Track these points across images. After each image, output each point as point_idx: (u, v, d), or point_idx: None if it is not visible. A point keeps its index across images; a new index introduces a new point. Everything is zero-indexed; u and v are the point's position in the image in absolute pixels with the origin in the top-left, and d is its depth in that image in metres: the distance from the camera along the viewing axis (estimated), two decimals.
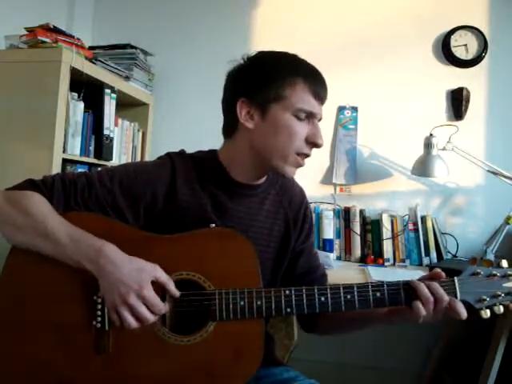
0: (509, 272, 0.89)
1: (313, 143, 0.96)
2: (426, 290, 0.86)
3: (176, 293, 0.87)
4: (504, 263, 0.91)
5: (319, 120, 0.99)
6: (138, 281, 0.83)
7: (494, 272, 0.89)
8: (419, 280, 0.90)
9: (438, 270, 0.91)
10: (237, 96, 0.97)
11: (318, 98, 0.96)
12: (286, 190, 1.09)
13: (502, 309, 0.88)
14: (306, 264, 1.09)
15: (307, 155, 0.98)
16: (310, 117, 0.96)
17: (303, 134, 0.95)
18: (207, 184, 1.00)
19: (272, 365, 1.05)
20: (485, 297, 0.88)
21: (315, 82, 0.96)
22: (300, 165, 0.98)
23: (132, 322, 0.83)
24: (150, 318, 0.84)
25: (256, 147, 0.97)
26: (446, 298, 0.86)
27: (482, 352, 1.64)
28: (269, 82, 0.95)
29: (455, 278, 0.89)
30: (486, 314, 0.88)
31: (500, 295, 0.88)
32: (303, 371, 1.05)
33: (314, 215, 2.09)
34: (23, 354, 0.87)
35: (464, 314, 0.86)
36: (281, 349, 1.23)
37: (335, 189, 2.25)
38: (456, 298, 0.87)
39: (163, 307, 0.85)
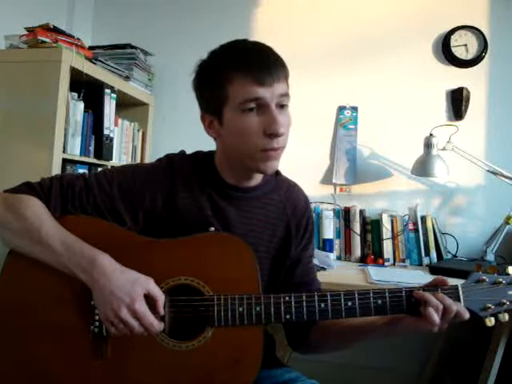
0: None
1: (271, 134, 0.87)
2: (434, 298, 0.85)
3: (161, 311, 0.86)
4: (510, 270, 0.88)
5: (281, 104, 0.89)
6: (130, 293, 0.82)
7: (500, 279, 0.87)
8: (423, 287, 0.88)
9: (442, 277, 0.90)
10: (200, 110, 0.98)
11: (259, 81, 0.86)
12: (290, 197, 1.06)
13: (506, 316, 0.86)
14: (301, 274, 1.05)
15: (274, 148, 0.89)
16: (261, 106, 0.87)
17: (258, 128, 0.87)
18: (205, 186, 0.98)
19: (273, 366, 1.04)
20: (489, 305, 0.86)
21: (252, 66, 0.87)
22: (271, 158, 0.90)
23: (125, 333, 0.83)
24: (141, 332, 0.83)
25: (227, 152, 0.97)
26: (454, 307, 0.84)
27: (482, 352, 1.64)
28: (209, 88, 0.93)
29: (459, 285, 0.88)
30: (491, 321, 0.86)
31: (505, 303, 0.86)
32: (303, 371, 1.05)
33: (314, 215, 2.09)
34: (21, 358, 0.87)
35: (467, 313, 0.85)
36: (281, 349, 1.23)
37: (335, 189, 2.25)
38: None
39: (156, 323, 0.84)
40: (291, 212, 1.05)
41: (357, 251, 2.06)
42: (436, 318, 0.83)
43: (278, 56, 0.92)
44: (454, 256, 2.06)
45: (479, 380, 1.59)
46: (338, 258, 2.07)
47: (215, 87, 0.90)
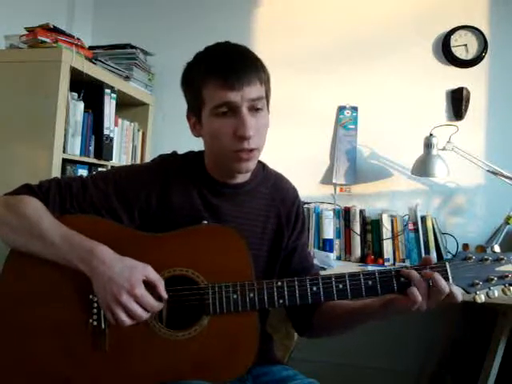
0: (501, 256, 0.88)
1: (239, 137, 0.90)
2: (417, 275, 0.86)
3: (164, 294, 0.88)
4: (496, 248, 0.90)
5: (254, 107, 0.91)
6: (130, 279, 0.85)
7: (486, 256, 0.89)
8: (412, 267, 0.90)
9: (429, 256, 0.91)
10: (187, 109, 1.01)
11: (228, 86, 0.89)
12: (278, 188, 1.09)
13: (496, 293, 0.87)
14: (299, 261, 1.09)
15: (246, 150, 0.91)
16: (232, 109, 0.90)
17: (229, 132, 0.91)
18: (196, 184, 1.01)
19: (270, 363, 1.05)
20: (477, 281, 0.87)
21: (222, 71, 0.90)
22: (244, 159, 0.93)
23: (125, 319, 0.84)
24: (143, 314, 0.85)
25: (209, 152, 1.01)
26: (443, 282, 0.85)
27: (483, 351, 1.65)
28: (190, 90, 0.98)
29: (446, 262, 0.89)
30: (481, 298, 0.87)
31: (493, 279, 0.87)
32: (303, 371, 1.05)
33: (313, 215, 2.10)
34: (23, 353, 0.88)
35: (459, 296, 0.86)
36: (281, 349, 1.23)
37: (335, 189, 2.25)
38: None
39: (156, 305, 0.86)
40: (280, 203, 1.07)
41: (357, 251, 2.06)
42: (417, 294, 0.85)
43: (251, 59, 0.94)
44: (454, 256, 2.06)
45: (479, 380, 1.60)
46: (338, 258, 2.07)
47: (194, 90, 0.95)
